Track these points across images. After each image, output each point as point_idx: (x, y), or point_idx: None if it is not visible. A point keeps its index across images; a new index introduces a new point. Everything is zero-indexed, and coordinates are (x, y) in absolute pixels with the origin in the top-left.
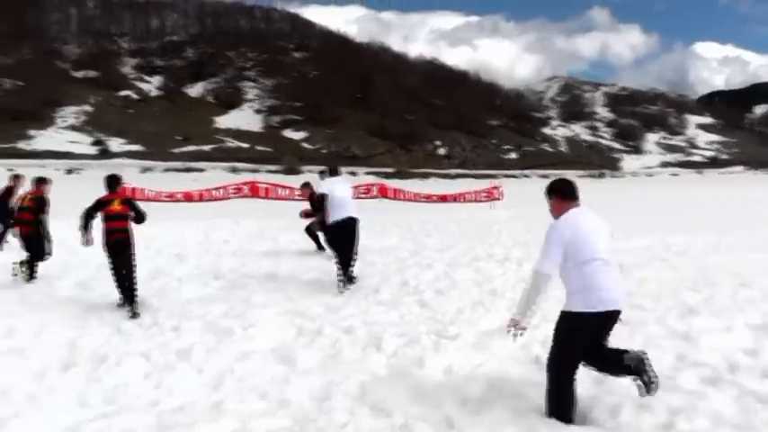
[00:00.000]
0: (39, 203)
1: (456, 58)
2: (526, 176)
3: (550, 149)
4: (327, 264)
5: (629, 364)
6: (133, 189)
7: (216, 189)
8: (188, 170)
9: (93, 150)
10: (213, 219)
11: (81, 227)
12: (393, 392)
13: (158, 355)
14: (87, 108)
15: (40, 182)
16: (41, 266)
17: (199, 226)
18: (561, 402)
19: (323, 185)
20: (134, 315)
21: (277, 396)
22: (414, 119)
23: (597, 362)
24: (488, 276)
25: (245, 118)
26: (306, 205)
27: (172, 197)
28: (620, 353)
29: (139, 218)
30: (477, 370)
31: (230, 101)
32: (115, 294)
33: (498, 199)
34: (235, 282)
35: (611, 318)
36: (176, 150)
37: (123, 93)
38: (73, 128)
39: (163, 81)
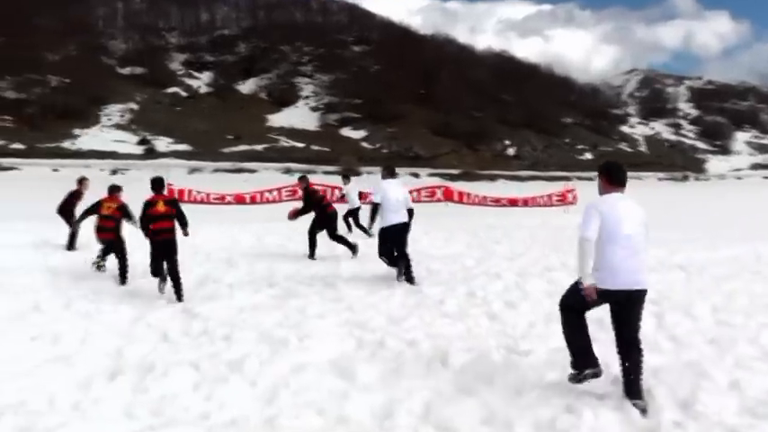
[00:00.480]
0: (123, 212)
1: (527, 50)
2: None
3: (629, 149)
4: (390, 272)
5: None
6: (180, 191)
7: (269, 191)
8: (239, 171)
9: (138, 150)
10: (266, 222)
11: (142, 230)
12: (460, 412)
13: (208, 366)
14: (133, 106)
15: (116, 189)
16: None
17: (251, 230)
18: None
19: (376, 190)
20: (180, 299)
21: (335, 412)
22: (481, 116)
23: (624, 357)
24: (562, 287)
25: (299, 116)
26: (294, 204)
27: (222, 199)
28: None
29: (182, 218)
30: (552, 389)
31: (284, 98)
32: (159, 301)
33: (573, 203)
34: (289, 289)
35: (628, 299)
36: (226, 150)
37: (171, 90)
38: (118, 126)
39: (213, 77)
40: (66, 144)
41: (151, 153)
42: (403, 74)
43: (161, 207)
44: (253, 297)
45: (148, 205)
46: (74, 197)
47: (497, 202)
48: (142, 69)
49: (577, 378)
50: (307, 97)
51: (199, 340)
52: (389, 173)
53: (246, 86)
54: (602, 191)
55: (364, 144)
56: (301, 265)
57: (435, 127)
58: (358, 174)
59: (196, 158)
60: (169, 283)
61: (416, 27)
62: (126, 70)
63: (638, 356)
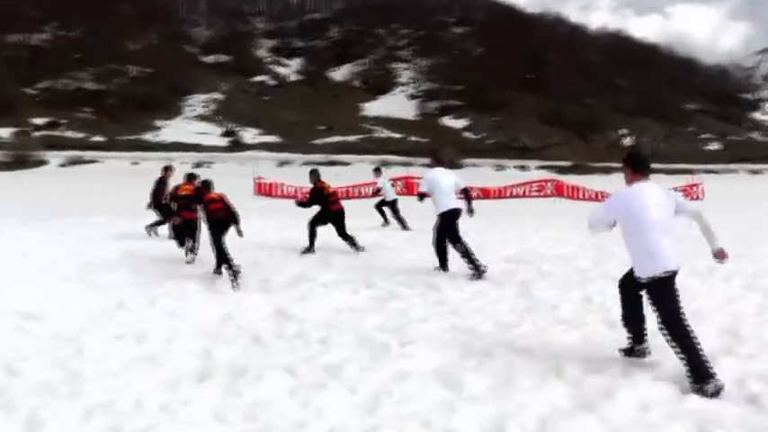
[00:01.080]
0: (197, 195)
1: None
2: (732, 172)
3: (761, 138)
4: (499, 277)
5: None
6: (270, 185)
7: (364, 185)
8: (331, 164)
9: (223, 142)
10: (362, 219)
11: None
12: (577, 429)
13: (305, 371)
14: (218, 96)
15: (193, 177)
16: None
17: (347, 226)
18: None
19: (424, 180)
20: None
21: (442, 425)
22: (594, 103)
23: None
24: (688, 293)
25: (396, 104)
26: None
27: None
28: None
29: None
30: (679, 407)
31: (380, 85)
32: (249, 301)
33: (698, 198)
34: (389, 290)
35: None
36: (318, 141)
37: (258, 78)
38: (202, 118)
39: (303, 64)
40: (148, 136)
41: (237, 145)
42: (508, 57)
43: (214, 194)
44: (350, 298)
45: (322, 189)
46: (161, 185)
47: None
48: (227, 57)
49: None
50: (404, 84)
51: (293, 343)
52: (438, 161)
53: (339, 73)
54: (628, 180)
55: (466, 134)
56: (403, 264)
57: (544, 115)
58: (459, 166)
59: (285, 150)
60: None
61: (523, 6)
62: (210, 58)
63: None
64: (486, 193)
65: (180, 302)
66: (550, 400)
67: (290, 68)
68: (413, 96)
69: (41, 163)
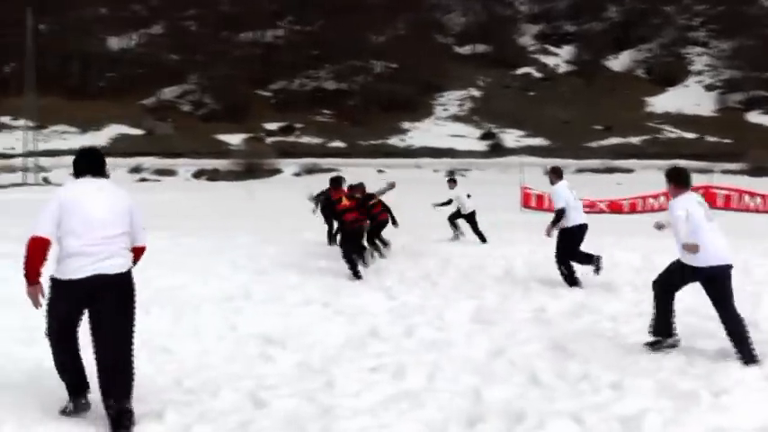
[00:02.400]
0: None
1: None
2: None
3: None
4: None
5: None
6: (540, 196)
7: (653, 197)
8: (610, 170)
9: (481, 146)
10: (654, 238)
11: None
12: None
13: (595, 420)
14: (475, 92)
15: (339, 182)
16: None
17: (633, 246)
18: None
19: (557, 194)
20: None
21: None
22: None
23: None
24: None
25: (690, 97)
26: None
27: (592, 207)
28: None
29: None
30: None
31: (669, 75)
32: (521, 334)
33: None
34: (694, 326)
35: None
36: (593, 144)
37: (521, 71)
38: (456, 118)
39: (574, 52)
40: (394, 140)
41: (497, 149)
42: None
43: (346, 202)
44: (644, 336)
45: (335, 203)
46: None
47: None
48: (485, 47)
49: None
50: (699, 73)
51: (579, 386)
52: (559, 175)
53: (619, 62)
54: (676, 193)
55: None
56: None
57: None
58: None
59: (555, 155)
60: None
61: None
62: (465, 49)
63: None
64: None
65: (441, 333)
66: None
67: (559, 58)
68: (710, 87)
69: (275, 172)
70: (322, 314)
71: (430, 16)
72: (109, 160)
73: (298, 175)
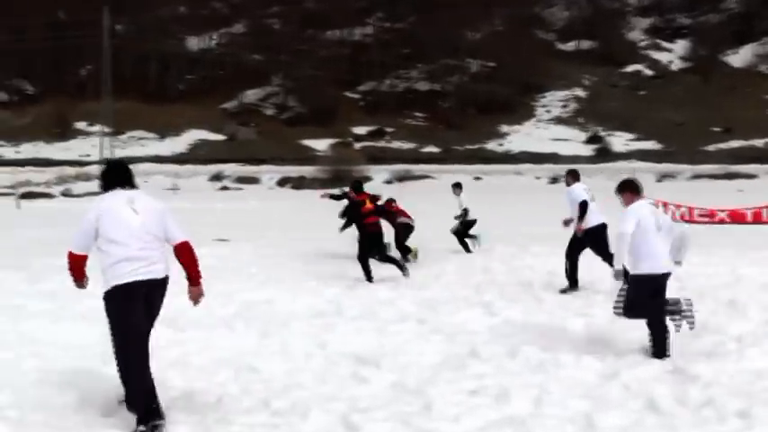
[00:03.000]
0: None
1: None
2: None
3: None
4: None
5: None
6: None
7: None
8: (730, 176)
9: (587, 150)
10: None
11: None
12: None
13: None
14: (579, 93)
15: (360, 187)
16: None
17: (759, 260)
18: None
19: (573, 196)
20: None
21: None
22: None
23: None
24: None
25: None
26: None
27: (710, 216)
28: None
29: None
30: None
31: None
32: (636, 356)
33: None
34: None
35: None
36: (711, 147)
37: (631, 68)
38: (559, 120)
39: (690, 47)
40: (491, 145)
41: (605, 154)
42: None
43: (369, 205)
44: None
45: (358, 205)
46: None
47: None
48: (591, 43)
49: None
50: None
51: (701, 414)
52: (576, 177)
53: (739, 57)
54: (630, 201)
55: None
56: None
57: None
58: None
59: (668, 160)
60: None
61: None
62: (569, 46)
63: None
64: None
65: (547, 353)
66: None
67: (673, 54)
68: None
69: (364, 179)
70: (417, 332)
71: (530, 10)
72: (188, 168)
73: (389, 182)
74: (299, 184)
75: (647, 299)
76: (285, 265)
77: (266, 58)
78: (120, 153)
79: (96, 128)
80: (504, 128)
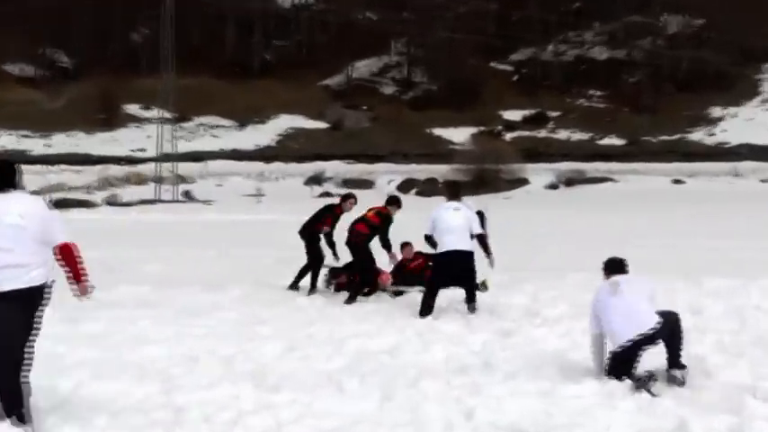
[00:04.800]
0: (382, 223)
1: None
2: None
3: None
4: None
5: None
6: None
7: None
8: None
9: None
10: None
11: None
12: None
13: None
14: None
15: (394, 201)
16: None
17: None
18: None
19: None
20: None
21: None
22: None
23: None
24: None
25: None
26: None
27: None
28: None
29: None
30: None
31: None
32: None
33: None
34: None
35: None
36: None
37: None
38: None
39: None
40: (698, 135)
41: None
42: None
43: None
44: None
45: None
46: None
47: None
48: None
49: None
50: None
51: None
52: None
53: None
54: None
55: None
56: None
57: None
58: None
59: None
60: None
61: None
62: None
63: None
64: None
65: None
66: None
67: None
68: None
69: (520, 182)
70: (601, 394)
71: None
72: (277, 166)
73: (554, 187)
74: (428, 189)
75: None
76: (412, 303)
77: (384, 18)
78: (185, 146)
79: (153, 113)
80: (717, 111)
